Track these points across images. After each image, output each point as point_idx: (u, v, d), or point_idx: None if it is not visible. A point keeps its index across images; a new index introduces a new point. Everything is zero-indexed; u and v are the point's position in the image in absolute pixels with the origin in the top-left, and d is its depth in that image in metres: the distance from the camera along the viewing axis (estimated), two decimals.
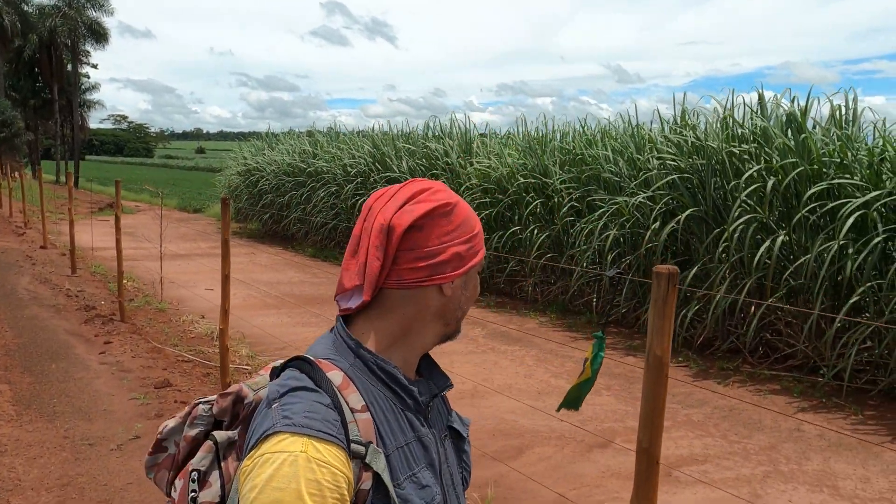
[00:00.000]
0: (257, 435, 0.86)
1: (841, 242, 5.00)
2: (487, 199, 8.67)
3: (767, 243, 5.56)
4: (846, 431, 4.63)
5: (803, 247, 5.62)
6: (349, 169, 11.34)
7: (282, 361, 0.98)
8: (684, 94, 8.62)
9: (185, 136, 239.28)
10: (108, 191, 25.51)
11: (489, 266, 8.81)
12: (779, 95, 6.30)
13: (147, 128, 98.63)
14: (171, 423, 1.02)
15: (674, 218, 6.35)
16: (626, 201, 6.69)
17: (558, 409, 1.73)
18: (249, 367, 5.57)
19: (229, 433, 0.97)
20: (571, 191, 7.77)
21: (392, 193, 0.99)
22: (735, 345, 6.21)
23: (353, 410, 0.90)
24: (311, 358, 0.94)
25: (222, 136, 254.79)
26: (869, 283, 4.94)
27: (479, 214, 8.66)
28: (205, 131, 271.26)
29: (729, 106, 6.54)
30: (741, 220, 5.62)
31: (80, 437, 3.98)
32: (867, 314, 5.26)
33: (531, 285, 8.27)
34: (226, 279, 3.94)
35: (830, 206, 5.17)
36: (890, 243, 4.98)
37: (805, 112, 5.85)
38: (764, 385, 5.53)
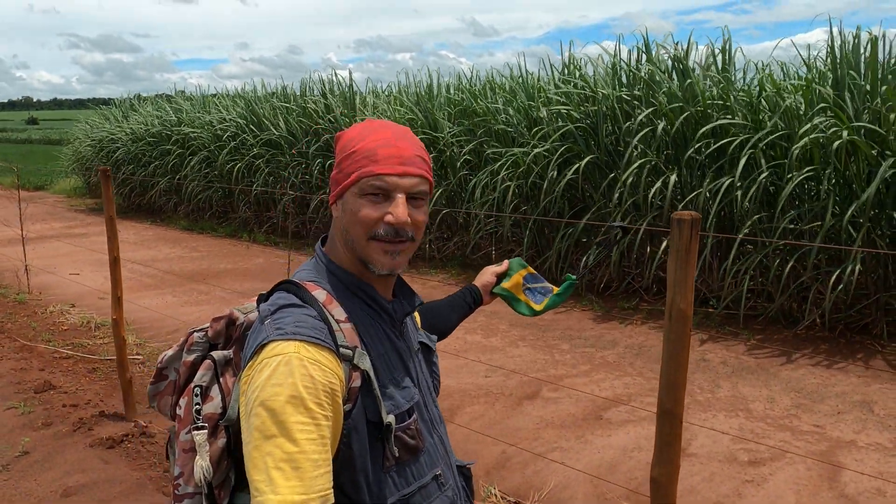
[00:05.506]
0: (253, 347, 0.95)
1: (729, 181, 5.27)
2: None
3: (659, 184, 5.76)
4: (744, 356, 4.96)
5: (690, 185, 5.89)
6: (220, 133, 10.52)
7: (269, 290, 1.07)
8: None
9: (12, 105, 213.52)
10: None
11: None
12: (659, 42, 6.47)
13: None
14: (169, 352, 1.11)
15: (569, 167, 6.42)
16: (522, 152, 6.68)
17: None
18: (141, 356, 5.05)
19: (225, 352, 1.06)
20: (463, 144, 7.66)
21: None
22: (632, 285, 6.47)
23: (338, 321, 1.00)
24: (297, 280, 1.04)
25: (57, 104, 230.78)
26: (757, 216, 5.26)
27: None
28: (35, 100, 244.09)
29: (615, 53, 6.65)
30: (635, 165, 5.77)
31: None
32: (750, 246, 5.62)
33: (428, 242, 8.16)
34: (115, 262, 3.45)
35: (717, 144, 5.41)
36: (773, 178, 5.31)
37: (686, 56, 6.05)
38: (663, 321, 5.81)
